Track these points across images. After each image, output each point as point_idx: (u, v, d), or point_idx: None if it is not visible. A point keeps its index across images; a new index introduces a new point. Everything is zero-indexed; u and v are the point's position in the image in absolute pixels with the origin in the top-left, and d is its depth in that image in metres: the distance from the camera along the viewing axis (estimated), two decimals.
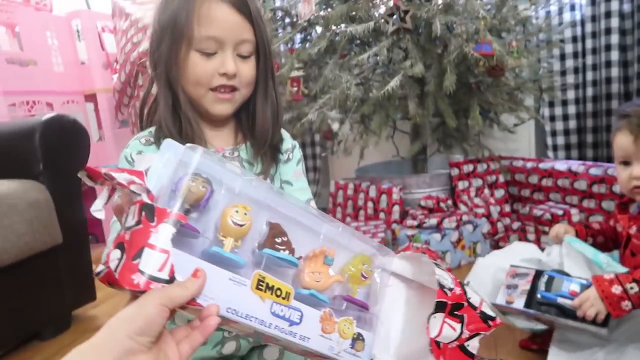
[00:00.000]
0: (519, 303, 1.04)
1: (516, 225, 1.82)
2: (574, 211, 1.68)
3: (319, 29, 1.97)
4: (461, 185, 1.95)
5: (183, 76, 0.71)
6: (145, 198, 0.47)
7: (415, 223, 1.77)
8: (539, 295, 1.02)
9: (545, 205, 1.79)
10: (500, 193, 1.98)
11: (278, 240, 0.55)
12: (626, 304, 0.92)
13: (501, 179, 2.01)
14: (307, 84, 1.94)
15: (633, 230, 1.02)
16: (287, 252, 0.55)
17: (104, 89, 2.48)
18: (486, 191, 1.96)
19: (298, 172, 0.84)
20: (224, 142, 0.77)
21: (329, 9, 1.80)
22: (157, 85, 0.74)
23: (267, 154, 0.78)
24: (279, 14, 2.16)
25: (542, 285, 1.03)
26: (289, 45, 2.08)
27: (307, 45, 1.90)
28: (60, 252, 1.51)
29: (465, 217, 1.75)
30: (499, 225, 1.88)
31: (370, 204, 1.97)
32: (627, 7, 2.11)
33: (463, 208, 1.88)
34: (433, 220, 1.72)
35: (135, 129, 2.26)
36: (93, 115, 2.58)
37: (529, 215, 1.77)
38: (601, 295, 0.93)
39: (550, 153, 2.27)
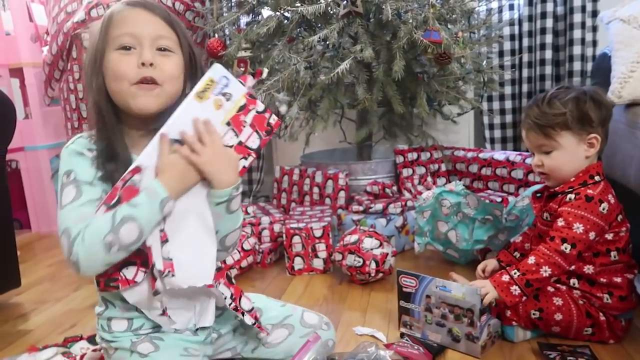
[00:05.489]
0: None
1: None
2: (511, 199, 1.74)
3: (265, 13, 1.93)
4: (405, 172, 1.98)
5: (107, 78, 0.74)
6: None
7: (361, 208, 1.77)
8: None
9: (484, 193, 1.86)
10: (442, 181, 2.03)
11: None
12: (514, 288, 1.00)
13: (443, 167, 2.06)
14: (253, 65, 1.90)
15: (543, 215, 1.10)
16: None
17: (31, 63, 2.30)
18: (429, 179, 2.01)
19: None
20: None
21: None
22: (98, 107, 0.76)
23: None
24: None
25: None
26: (235, 26, 2.02)
27: (255, 26, 1.84)
28: None
29: (409, 203, 1.78)
30: None
31: (316, 190, 1.95)
32: (560, 10, 2.23)
33: (407, 195, 1.91)
34: (379, 206, 1.74)
35: (67, 106, 2.10)
36: (19, 92, 2.39)
37: None
38: (493, 284, 1.02)
39: (487, 145, 2.36)
